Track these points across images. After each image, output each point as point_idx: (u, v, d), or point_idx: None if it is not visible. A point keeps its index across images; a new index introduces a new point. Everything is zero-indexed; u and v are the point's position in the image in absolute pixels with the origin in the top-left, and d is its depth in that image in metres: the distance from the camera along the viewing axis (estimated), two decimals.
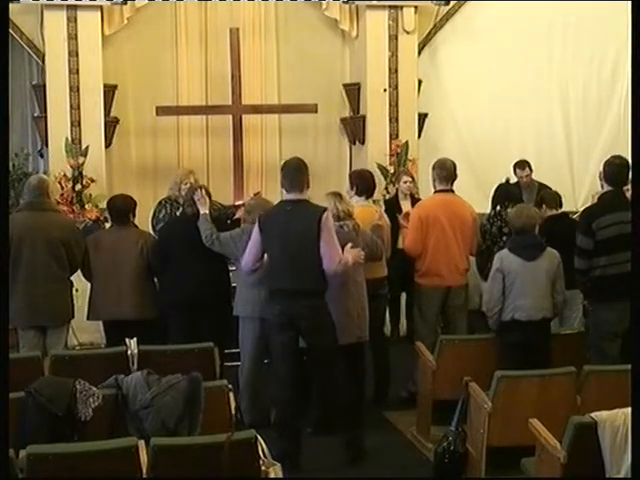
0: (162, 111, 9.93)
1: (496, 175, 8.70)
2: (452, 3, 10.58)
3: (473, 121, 10.91)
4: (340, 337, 6.16)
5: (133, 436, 4.60)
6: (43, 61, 9.82)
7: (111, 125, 10.05)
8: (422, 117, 10.51)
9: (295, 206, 5.98)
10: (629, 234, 6.00)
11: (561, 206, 7.84)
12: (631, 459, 4.34)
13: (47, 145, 9.85)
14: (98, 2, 9.67)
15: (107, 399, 4.98)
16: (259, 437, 4.55)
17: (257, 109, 10.22)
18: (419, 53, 10.50)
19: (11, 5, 8.87)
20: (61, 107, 9.71)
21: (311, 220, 5.89)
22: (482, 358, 6.22)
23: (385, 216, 7.37)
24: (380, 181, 9.66)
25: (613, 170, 6.51)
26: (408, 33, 10.30)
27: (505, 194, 7.81)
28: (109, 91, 9.97)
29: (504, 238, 7.32)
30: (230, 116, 9.96)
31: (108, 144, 10.04)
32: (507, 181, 8.29)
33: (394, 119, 10.34)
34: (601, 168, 6.78)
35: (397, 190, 9.29)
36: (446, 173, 7.24)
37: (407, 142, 10.26)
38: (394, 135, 10.33)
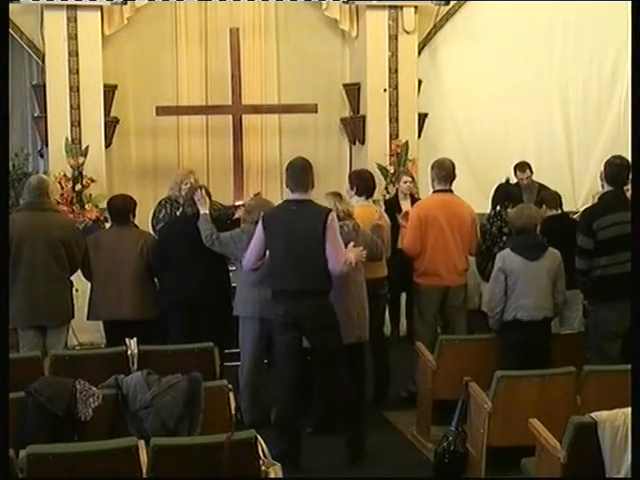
0: (162, 111, 9.92)
1: (496, 175, 8.70)
2: (452, 3, 10.58)
3: (473, 121, 10.90)
4: None
5: (133, 436, 4.60)
6: (43, 61, 9.82)
7: (111, 125, 10.05)
8: (422, 117, 10.51)
9: (300, 206, 5.98)
10: (629, 234, 6.00)
11: (561, 206, 7.84)
12: (631, 459, 4.34)
13: (47, 145, 9.84)
14: (98, 2, 9.67)
15: (107, 399, 4.97)
16: (259, 437, 4.55)
17: (257, 109, 10.21)
18: (419, 53, 10.50)
19: (11, 5, 8.86)
20: (61, 107, 9.70)
21: (316, 220, 5.89)
22: (482, 358, 6.22)
23: (385, 216, 7.36)
24: (380, 181, 9.65)
25: (613, 170, 6.51)
26: (408, 33, 10.29)
27: (505, 194, 7.80)
28: (109, 91, 9.97)
29: (504, 238, 7.32)
30: (230, 116, 9.95)
31: (108, 144, 10.03)
32: (507, 181, 8.29)
33: (394, 119, 10.34)
34: (601, 168, 6.79)
35: (397, 190, 9.30)
36: (445, 173, 7.23)
37: (407, 142, 10.25)
38: (394, 135, 10.32)
